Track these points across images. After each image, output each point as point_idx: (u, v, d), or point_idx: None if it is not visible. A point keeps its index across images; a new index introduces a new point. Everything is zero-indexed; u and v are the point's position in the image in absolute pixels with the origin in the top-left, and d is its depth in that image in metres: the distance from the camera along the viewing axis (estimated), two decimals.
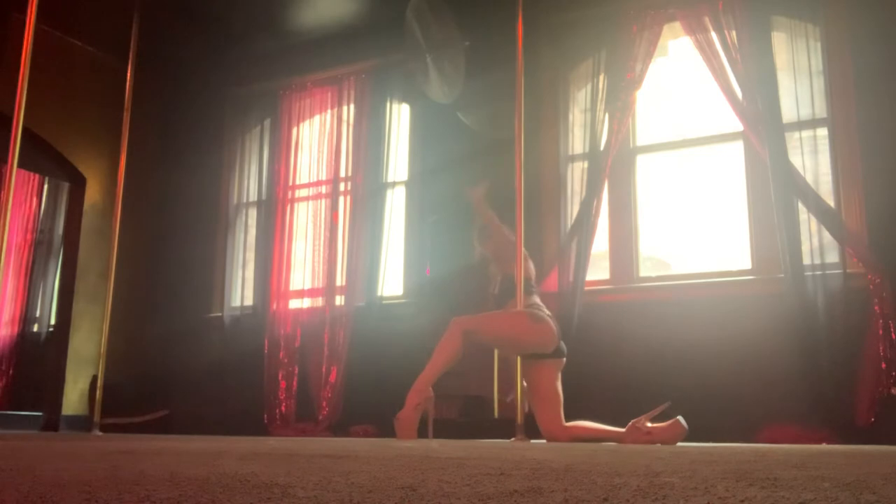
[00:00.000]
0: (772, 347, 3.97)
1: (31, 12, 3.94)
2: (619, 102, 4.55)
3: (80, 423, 5.24)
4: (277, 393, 5.28)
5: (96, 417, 4.63)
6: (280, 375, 5.31)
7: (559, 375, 3.50)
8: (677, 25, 4.59)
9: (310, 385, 5.20)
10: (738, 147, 4.48)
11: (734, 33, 4.33)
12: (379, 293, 5.16)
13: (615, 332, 4.35)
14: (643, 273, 4.63)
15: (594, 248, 4.53)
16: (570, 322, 4.29)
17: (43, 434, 4.85)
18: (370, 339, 5.06)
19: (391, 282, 5.24)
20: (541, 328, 3.44)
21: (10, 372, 6.90)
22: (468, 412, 4.54)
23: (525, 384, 3.54)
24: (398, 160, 5.38)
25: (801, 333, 3.89)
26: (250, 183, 5.91)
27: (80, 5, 5.20)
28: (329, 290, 5.32)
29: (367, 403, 4.89)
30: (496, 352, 4.22)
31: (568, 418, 3.44)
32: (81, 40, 5.68)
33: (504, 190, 4.00)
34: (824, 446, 3.25)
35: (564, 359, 3.53)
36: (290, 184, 5.69)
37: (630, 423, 3.27)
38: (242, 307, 5.73)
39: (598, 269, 4.65)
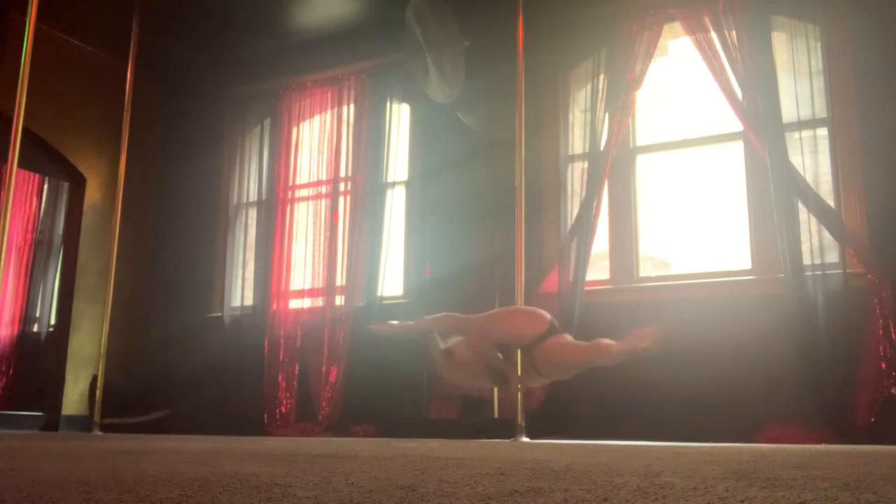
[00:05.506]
0: (772, 347, 3.97)
1: (31, 12, 3.94)
2: (619, 102, 4.55)
3: (80, 423, 5.24)
4: (277, 393, 5.28)
5: (96, 417, 4.64)
6: (280, 375, 5.30)
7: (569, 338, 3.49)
8: (677, 25, 4.59)
9: (310, 385, 5.20)
10: (738, 147, 4.48)
11: (734, 33, 4.32)
12: (379, 293, 5.16)
13: (615, 332, 4.33)
14: (643, 273, 4.63)
15: (594, 248, 4.53)
16: (570, 322, 4.28)
17: (43, 434, 4.85)
18: (370, 339, 5.05)
19: (391, 282, 5.24)
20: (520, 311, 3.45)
21: (10, 372, 6.89)
22: (468, 412, 4.54)
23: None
24: (398, 160, 5.37)
25: (801, 333, 3.88)
26: (250, 183, 5.91)
27: (80, 5, 5.20)
28: (329, 290, 5.32)
29: (367, 403, 4.89)
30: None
31: (567, 417, 3.43)
32: (81, 40, 5.68)
33: (504, 190, 4.00)
34: (824, 446, 3.25)
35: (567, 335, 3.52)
36: (290, 184, 5.69)
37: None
38: (242, 307, 5.72)
39: (598, 269, 4.65)
